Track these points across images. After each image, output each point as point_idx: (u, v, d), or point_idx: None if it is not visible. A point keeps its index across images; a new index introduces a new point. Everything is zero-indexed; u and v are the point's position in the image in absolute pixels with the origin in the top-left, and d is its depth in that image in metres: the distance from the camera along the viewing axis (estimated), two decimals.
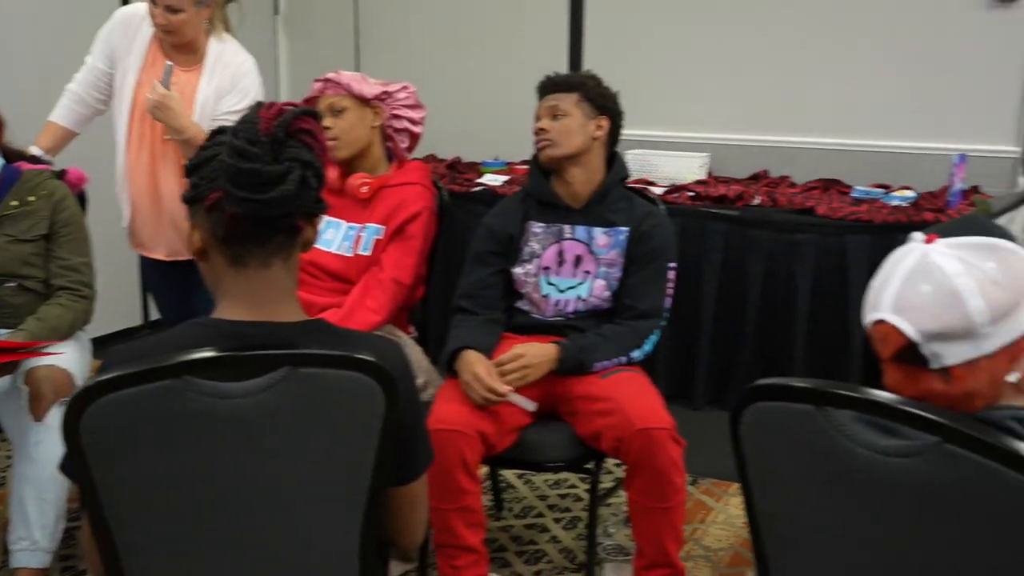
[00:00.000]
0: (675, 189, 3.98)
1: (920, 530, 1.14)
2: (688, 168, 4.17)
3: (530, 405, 2.40)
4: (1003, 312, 1.24)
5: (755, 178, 4.28)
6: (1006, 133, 3.77)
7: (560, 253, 2.57)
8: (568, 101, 2.56)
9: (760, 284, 3.73)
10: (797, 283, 3.66)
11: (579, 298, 2.56)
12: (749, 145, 4.39)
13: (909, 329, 1.25)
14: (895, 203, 3.78)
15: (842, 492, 1.20)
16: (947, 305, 1.23)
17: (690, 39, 4.46)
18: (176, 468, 1.33)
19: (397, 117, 2.69)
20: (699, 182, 4.07)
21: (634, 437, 2.28)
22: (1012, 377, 1.26)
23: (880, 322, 1.29)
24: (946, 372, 1.25)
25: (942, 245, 1.29)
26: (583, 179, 2.59)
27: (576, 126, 2.55)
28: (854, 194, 3.97)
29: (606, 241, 2.56)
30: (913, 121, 4.11)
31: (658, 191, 3.96)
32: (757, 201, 3.82)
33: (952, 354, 1.24)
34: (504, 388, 2.34)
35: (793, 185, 4.18)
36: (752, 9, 4.33)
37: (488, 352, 2.44)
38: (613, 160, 2.65)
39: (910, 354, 1.26)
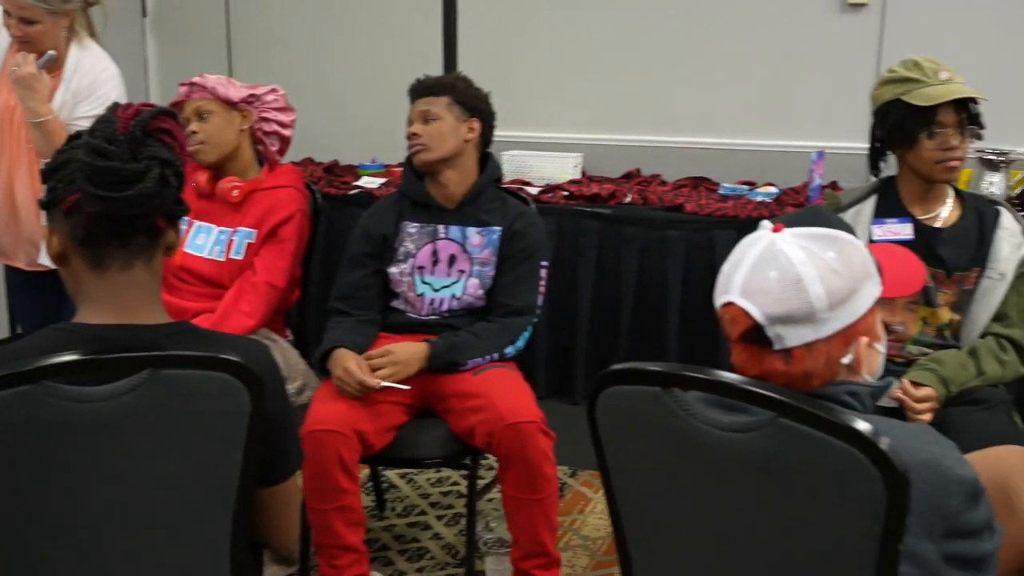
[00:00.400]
0: (550, 189, 4.06)
1: (761, 500, 1.22)
2: (562, 168, 4.25)
3: (403, 387, 2.42)
4: (840, 299, 1.32)
5: (628, 177, 4.39)
6: (860, 131, 3.92)
7: (434, 253, 2.61)
8: (439, 105, 2.60)
9: (634, 279, 3.84)
10: (669, 277, 3.78)
11: (454, 297, 2.60)
12: (622, 145, 4.50)
13: (756, 312, 1.33)
14: (759, 199, 3.94)
15: (689, 468, 1.27)
16: (791, 290, 1.31)
17: (562, 42, 4.54)
18: (37, 475, 1.31)
19: (266, 120, 2.69)
20: (573, 181, 4.15)
21: (504, 431, 2.33)
22: (846, 359, 1.35)
23: (729, 304, 1.36)
24: (787, 353, 1.32)
25: (788, 234, 1.37)
26: (457, 180, 2.63)
27: (448, 129, 2.59)
28: (721, 191, 4.11)
29: (479, 240, 2.61)
30: (775, 120, 4.28)
31: (533, 191, 4.04)
32: (629, 199, 3.92)
33: (793, 336, 1.32)
34: (374, 380, 2.37)
35: (664, 183, 4.30)
36: (621, 13, 4.44)
37: (360, 351, 2.47)
38: (486, 161, 2.70)
39: (755, 335, 1.33)
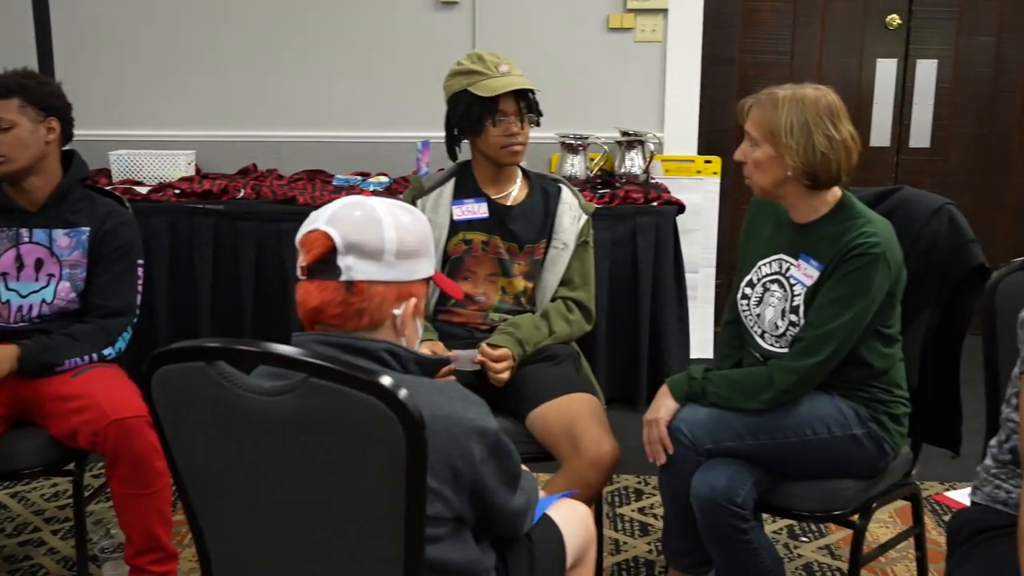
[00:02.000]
0: (161, 187, 3.99)
1: (304, 455, 1.34)
2: (175, 166, 4.19)
3: None
4: (407, 253, 1.54)
5: (244, 172, 4.41)
6: None
7: (18, 258, 2.51)
8: (11, 109, 2.47)
9: (253, 272, 3.88)
10: (287, 268, 3.85)
11: (44, 302, 2.52)
12: (237, 141, 4.50)
13: (336, 235, 1.50)
14: (372, 188, 4.11)
15: (238, 435, 1.37)
16: (370, 226, 1.51)
17: (169, 37, 4.45)
18: None
19: None
20: (184, 179, 4.11)
21: (110, 428, 2.32)
22: (397, 311, 1.54)
23: (313, 231, 1.52)
24: (351, 286, 1.50)
25: (375, 197, 1.60)
26: (40, 184, 2.54)
27: (27, 135, 2.48)
28: (336, 182, 4.24)
29: (67, 243, 2.55)
30: (383, 113, 4.48)
31: (143, 190, 3.96)
32: (242, 194, 3.96)
33: (360, 270, 1.50)
34: None
35: (281, 177, 4.36)
36: (228, 7, 4.43)
37: None
38: (71, 159, 2.62)
39: (326, 266, 1.50)
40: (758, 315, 2.33)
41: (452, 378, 2.49)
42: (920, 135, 4.63)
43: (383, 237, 1.50)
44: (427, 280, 1.61)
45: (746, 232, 2.46)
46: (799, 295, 2.25)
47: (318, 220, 1.53)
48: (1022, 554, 1.42)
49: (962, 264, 2.31)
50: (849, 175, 2.22)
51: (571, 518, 1.85)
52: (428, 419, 1.32)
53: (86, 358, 2.47)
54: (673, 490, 2.31)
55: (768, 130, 2.17)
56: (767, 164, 2.20)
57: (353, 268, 1.49)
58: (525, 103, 2.61)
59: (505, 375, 2.49)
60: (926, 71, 4.56)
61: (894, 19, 4.53)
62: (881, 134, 4.61)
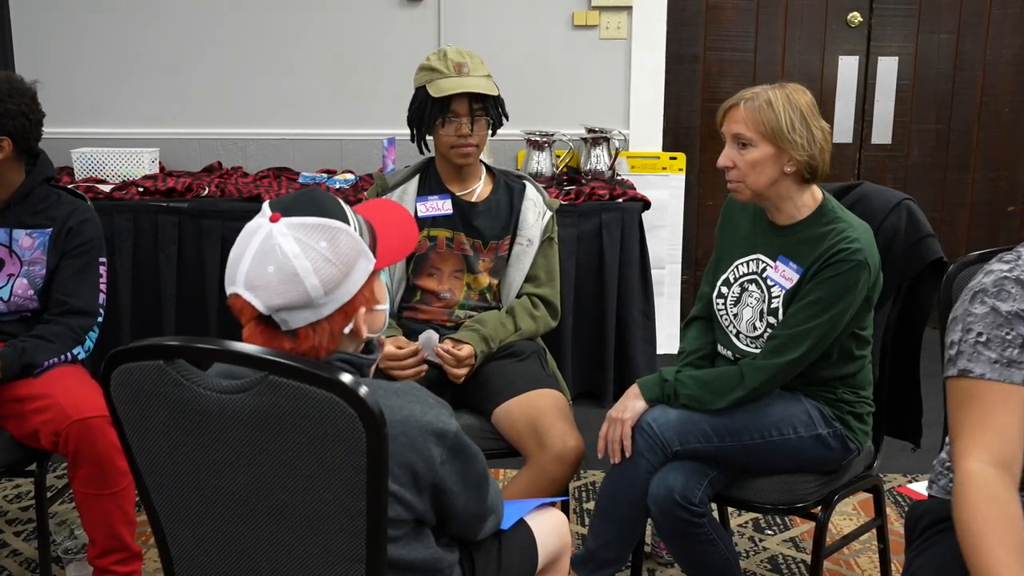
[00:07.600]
0: (124, 185, 3.96)
1: (264, 452, 1.34)
2: (138, 164, 4.16)
3: None
4: (334, 284, 1.44)
5: (209, 170, 4.39)
6: None
7: None
8: None
9: (217, 270, 3.86)
10: None
11: (1, 300, 2.49)
12: (202, 139, 4.48)
13: (259, 304, 1.43)
14: (338, 186, 4.10)
15: (198, 433, 1.37)
16: (289, 284, 1.42)
17: (133, 34, 4.41)
18: None
19: None
20: (148, 177, 4.09)
21: (71, 428, 2.30)
22: (347, 329, 1.49)
23: (236, 295, 1.45)
24: (294, 333, 1.45)
25: (284, 225, 1.44)
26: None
27: None
28: (301, 180, 4.23)
29: (30, 243, 2.52)
30: (349, 110, 4.47)
31: (107, 188, 3.93)
32: (207, 192, 3.94)
33: (297, 319, 1.44)
34: None
35: (246, 175, 4.34)
36: (193, 5, 4.40)
37: None
38: (37, 157, 2.59)
39: (265, 319, 1.44)
40: (735, 315, 2.32)
41: (424, 367, 2.49)
42: (882, 131, 4.68)
43: (306, 290, 1.41)
44: (371, 276, 1.51)
45: (722, 229, 2.44)
46: (777, 297, 2.24)
47: (236, 281, 1.45)
48: (962, 540, 1.47)
49: (920, 258, 2.34)
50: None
51: (546, 522, 1.85)
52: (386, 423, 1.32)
53: (62, 357, 2.45)
54: (623, 490, 2.27)
55: (769, 128, 2.17)
56: (764, 164, 2.19)
57: (289, 320, 1.43)
58: (480, 105, 2.59)
59: (462, 371, 2.49)
60: (887, 68, 4.62)
61: (855, 17, 4.58)
62: (843, 130, 4.66)
